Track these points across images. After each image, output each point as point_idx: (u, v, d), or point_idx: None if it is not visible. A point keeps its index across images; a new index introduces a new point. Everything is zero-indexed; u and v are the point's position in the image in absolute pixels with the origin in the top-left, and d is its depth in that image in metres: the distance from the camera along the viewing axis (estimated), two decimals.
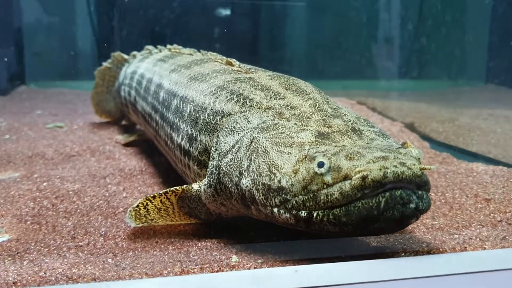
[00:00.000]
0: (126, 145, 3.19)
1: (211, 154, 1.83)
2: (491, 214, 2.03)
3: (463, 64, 5.78)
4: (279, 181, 1.50)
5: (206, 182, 1.81)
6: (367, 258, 1.50)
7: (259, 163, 1.56)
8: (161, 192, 1.85)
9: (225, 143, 1.75)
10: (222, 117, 1.87)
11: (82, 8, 5.60)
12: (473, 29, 5.73)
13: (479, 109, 4.64)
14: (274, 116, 1.71)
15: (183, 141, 2.05)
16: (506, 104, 5.02)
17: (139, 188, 2.40)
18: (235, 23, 5.96)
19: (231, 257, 1.60)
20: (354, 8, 6.16)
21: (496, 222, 1.95)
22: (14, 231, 1.90)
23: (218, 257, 1.61)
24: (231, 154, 1.69)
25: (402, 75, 5.96)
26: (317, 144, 1.53)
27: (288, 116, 1.71)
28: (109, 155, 2.94)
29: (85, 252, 1.71)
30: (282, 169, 1.51)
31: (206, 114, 1.95)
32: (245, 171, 1.60)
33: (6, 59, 5.29)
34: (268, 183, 1.52)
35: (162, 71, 2.66)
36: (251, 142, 1.64)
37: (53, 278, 1.46)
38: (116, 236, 1.84)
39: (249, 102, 1.84)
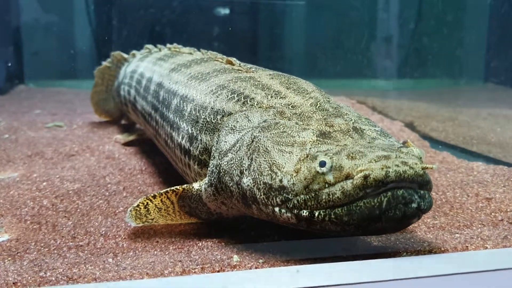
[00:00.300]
0: (126, 144, 3.19)
1: (211, 154, 1.83)
2: (492, 213, 2.03)
3: (462, 63, 5.79)
4: (281, 180, 1.49)
5: (207, 181, 1.81)
6: (369, 258, 1.49)
7: (260, 162, 1.56)
8: (161, 191, 1.84)
9: (226, 142, 1.74)
10: (222, 116, 1.86)
11: (80, 7, 5.59)
12: (472, 28, 5.74)
13: (478, 108, 4.64)
14: (275, 115, 1.71)
15: (184, 140, 2.04)
16: (505, 103, 5.03)
17: (139, 187, 2.40)
18: (234, 22, 5.95)
19: (232, 257, 1.59)
20: (354, 7, 6.16)
21: (497, 221, 1.94)
22: (14, 231, 1.89)
23: (219, 256, 1.60)
24: (232, 153, 1.69)
25: (402, 74, 5.96)
26: (318, 143, 1.53)
27: (289, 115, 1.70)
28: (109, 155, 2.93)
29: (86, 252, 1.70)
30: (284, 168, 1.50)
31: (207, 113, 1.94)
32: (246, 170, 1.60)
33: (4, 59, 5.27)
34: (270, 182, 1.51)
35: (162, 70, 2.65)
36: (252, 141, 1.63)
37: (53, 278, 1.45)
38: (117, 236, 1.83)
39: (250, 101, 1.83)
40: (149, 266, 1.54)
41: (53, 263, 1.59)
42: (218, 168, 1.73)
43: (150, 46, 3.35)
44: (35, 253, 1.69)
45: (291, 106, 1.76)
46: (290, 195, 1.47)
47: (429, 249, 1.61)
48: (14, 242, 1.78)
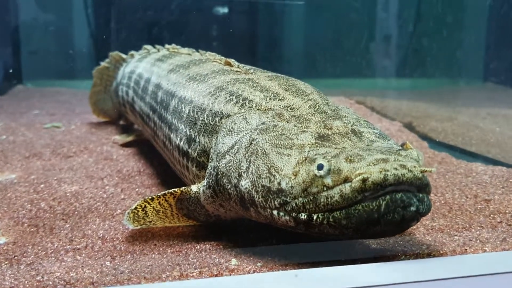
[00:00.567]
0: (124, 145, 3.18)
1: (210, 156, 1.82)
2: (491, 215, 2.02)
3: (461, 63, 5.78)
4: (279, 183, 1.49)
5: (205, 184, 1.80)
6: (368, 261, 1.49)
7: (258, 165, 1.55)
8: (159, 194, 1.83)
9: (224, 144, 1.73)
10: (221, 118, 1.85)
11: (79, 6, 5.58)
12: (471, 28, 5.73)
13: (477, 108, 4.64)
14: (273, 118, 1.70)
15: (182, 142, 2.04)
16: (504, 103, 5.02)
17: (137, 189, 2.39)
18: (233, 22, 5.94)
19: (230, 260, 1.58)
20: (353, 7, 6.15)
21: (496, 223, 1.94)
22: (11, 233, 1.88)
23: (217, 260, 1.60)
24: (230, 155, 1.68)
25: (400, 74, 5.96)
26: (317, 146, 1.52)
27: (287, 117, 1.69)
28: (107, 156, 2.93)
29: (83, 255, 1.69)
30: (282, 171, 1.49)
31: (205, 115, 1.93)
32: (244, 172, 1.59)
33: (3, 59, 5.26)
34: (268, 185, 1.51)
35: (160, 71, 2.64)
36: (251, 143, 1.62)
37: (50, 283, 1.45)
38: (114, 239, 1.83)
39: (248, 103, 1.83)
40: (147, 269, 1.53)
41: (50, 267, 1.58)
42: (216, 170, 1.72)
43: (148, 46, 3.34)
44: (32, 256, 1.69)
45: (290, 108, 1.76)
46: (289, 198, 1.46)
47: (428, 252, 1.60)
48: (11, 246, 1.77)
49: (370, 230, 1.41)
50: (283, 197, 1.47)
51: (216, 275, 1.48)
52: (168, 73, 2.50)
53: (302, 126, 1.63)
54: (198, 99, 2.04)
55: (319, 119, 1.67)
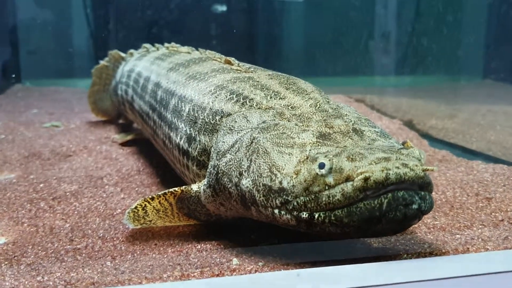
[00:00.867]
0: (123, 144, 3.17)
1: (210, 155, 1.81)
2: (493, 213, 2.02)
3: (460, 59, 5.77)
4: (280, 182, 1.48)
5: (205, 183, 1.79)
6: (369, 261, 1.48)
7: (259, 164, 1.54)
8: (160, 193, 1.82)
9: (224, 142, 1.72)
10: (221, 117, 1.85)
11: (77, 5, 5.56)
12: (470, 24, 5.72)
13: (477, 105, 4.63)
14: (274, 116, 1.69)
15: (182, 141, 2.03)
16: (504, 99, 5.01)
17: (136, 188, 2.38)
18: (231, 20, 5.92)
19: (231, 260, 1.57)
20: (352, 5, 6.14)
21: (498, 221, 1.93)
22: (10, 233, 1.88)
23: (218, 260, 1.59)
24: (231, 154, 1.67)
25: (400, 71, 5.95)
26: (318, 145, 1.51)
27: (288, 116, 1.68)
28: (106, 155, 2.92)
29: (83, 255, 1.69)
30: (283, 170, 1.49)
31: (205, 114, 1.92)
32: (245, 171, 1.58)
33: (1, 58, 5.25)
34: (269, 184, 1.50)
35: (160, 70, 2.63)
36: (252, 142, 1.62)
37: (51, 283, 1.44)
38: (115, 239, 1.82)
39: (249, 102, 1.82)
40: (148, 269, 1.52)
41: (50, 267, 1.57)
42: (216, 169, 1.71)
43: (148, 45, 3.33)
44: (32, 256, 1.68)
45: (291, 107, 1.75)
46: (290, 197, 1.46)
47: (430, 251, 1.59)
48: (11, 246, 1.76)
49: (371, 229, 1.40)
50: (284, 196, 1.47)
51: (217, 275, 1.47)
52: (168, 72, 2.49)
53: (303, 125, 1.62)
54: (198, 98, 2.03)
55: (320, 118, 1.66)
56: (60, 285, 1.43)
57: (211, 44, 5.36)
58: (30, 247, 1.75)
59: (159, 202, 1.82)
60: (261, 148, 1.57)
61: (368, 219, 1.38)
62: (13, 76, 5.27)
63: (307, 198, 1.43)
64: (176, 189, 1.83)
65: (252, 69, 2.10)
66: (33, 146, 3.07)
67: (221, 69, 2.16)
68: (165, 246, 1.75)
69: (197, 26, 5.58)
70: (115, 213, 2.06)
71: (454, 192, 2.26)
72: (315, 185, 1.43)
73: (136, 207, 1.80)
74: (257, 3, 6.12)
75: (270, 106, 1.77)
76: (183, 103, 2.12)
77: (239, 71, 2.09)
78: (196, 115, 1.97)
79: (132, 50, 3.50)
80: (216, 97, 1.93)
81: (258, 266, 1.51)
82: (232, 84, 1.95)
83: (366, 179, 1.37)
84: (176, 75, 2.37)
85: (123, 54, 3.58)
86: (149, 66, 2.84)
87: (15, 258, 1.66)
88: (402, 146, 1.53)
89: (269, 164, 1.52)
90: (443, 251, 1.60)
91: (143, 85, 2.77)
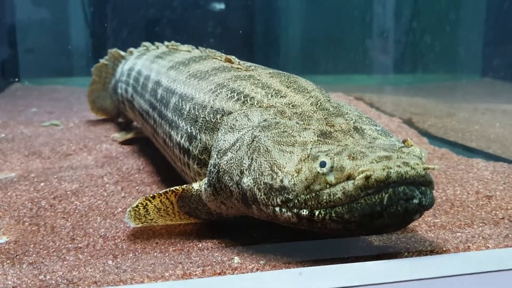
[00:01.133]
0: (123, 143, 3.17)
1: (211, 153, 1.81)
2: (493, 211, 2.02)
3: (459, 57, 5.77)
4: (281, 181, 1.48)
5: (206, 181, 1.79)
6: (371, 259, 1.49)
7: (260, 162, 1.54)
8: (160, 192, 1.82)
9: (225, 141, 1.73)
10: (222, 115, 1.85)
11: (76, 3, 5.55)
12: (468, 22, 5.72)
13: (476, 103, 4.64)
14: (275, 115, 1.69)
15: (183, 140, 2.03)
16: (503, 98, 5.02)
17: (137, 187, 2.38)
18: (229, 17, 5.92)
19: (233, 258, 1.58)
20: (351, 2, 6.14)
21: (498, 219, 1.94)
22: (12, 232, 1.88)
23: (219, 258, 1.59)
24: (232, 153, 1.67)
25: (399, 69, 5.95)
26: (319, 143, 1.52)
27: (289, 114, 1.69)
28: (106, 154, 2.92)
29: (85, 254, 1.69)
30: (285, 168, 1.49)
31: (206, 112, 1.92)
32: (246, 170, 1.58)
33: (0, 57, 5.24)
34: (270, 182, 1.50)
35: (160, 68, 2.63)
36: (253, 140, 1.62)
37: (53, 282, 1.44)
38: (116, 237, 1.82)
39: (249, 100, 1.82)
40: (149, 268, 1.52)
41: (52, 265, 1.57)
42: (217, 167, 1.71)
43: (147, 43, 3.33)
44: (34, 255, 1.68)
45: (292, 106, 1.75)
46: (291, 195, 1.46)
47: (431, 249, 1.60)
48: (12, 245, 1.76)
49: (373, 224, 1.40)
50: (285, 195, 1.47)
51: (219, 274, 1.47)
52: (168, 70, 2.49)
53: (304, 124, 1.62)
54: (199, 96, 2.03)
55: (321, 116, 1.66)
56: (63, 284, 1.43)
57: (209, 41, 5.35)
58: (32, 246, 1.75)
59: (160, 201, 1.83)
60: (262, 147, 1.57)
61: (369, 214, 1.38)
62: (16, 79, 5.28)
63: (308, 197, 1.43)
64: (177, 187, 1.83)
65: (252, 68, 2.10)
66: (33, 145, 3.07)
67: (222, 67, 2.16)
68: (167, 245, 1.75)
69: (197, 24, 5.57)
70: (116, 212, 2.06)
71: (454, 190, 2.27)
72: (316, 183, 1.43)
73: (137, 206, 1.80)
74: (256, 1, 6.11)
75: (271, 104, 1.77)
76: (183, 102, 2.12)
77: (239, 70, 2.09)
78: (197, 113, 1.97)
79: (132, 49, 3.50)
80: (217, 96, 1.93)
81: (259, 265, 1.52)
82: (233, 83, 1.96)
83: (367, 178, 1.37)
84: (177, 74, 2.37)
85: (123, 53, 3.58)
86: (149, 65, 2.84)
87: (17, 257, 1.66)
88: (403, 145, 1.54)
89: (270, 163, 1.52)
90: (444, 249, 1.60)
91: (143, 83, 2.77)
